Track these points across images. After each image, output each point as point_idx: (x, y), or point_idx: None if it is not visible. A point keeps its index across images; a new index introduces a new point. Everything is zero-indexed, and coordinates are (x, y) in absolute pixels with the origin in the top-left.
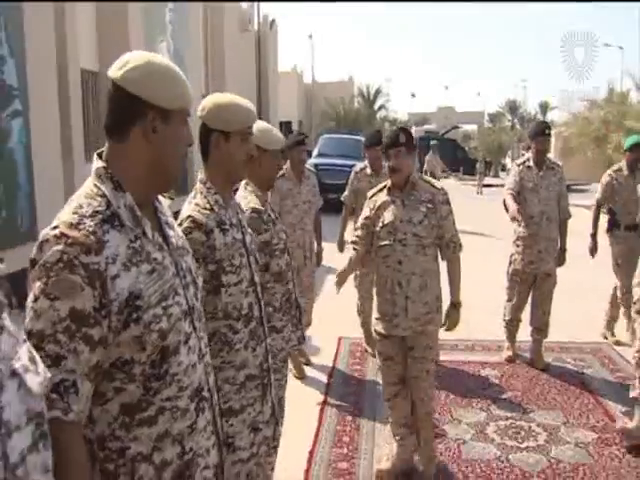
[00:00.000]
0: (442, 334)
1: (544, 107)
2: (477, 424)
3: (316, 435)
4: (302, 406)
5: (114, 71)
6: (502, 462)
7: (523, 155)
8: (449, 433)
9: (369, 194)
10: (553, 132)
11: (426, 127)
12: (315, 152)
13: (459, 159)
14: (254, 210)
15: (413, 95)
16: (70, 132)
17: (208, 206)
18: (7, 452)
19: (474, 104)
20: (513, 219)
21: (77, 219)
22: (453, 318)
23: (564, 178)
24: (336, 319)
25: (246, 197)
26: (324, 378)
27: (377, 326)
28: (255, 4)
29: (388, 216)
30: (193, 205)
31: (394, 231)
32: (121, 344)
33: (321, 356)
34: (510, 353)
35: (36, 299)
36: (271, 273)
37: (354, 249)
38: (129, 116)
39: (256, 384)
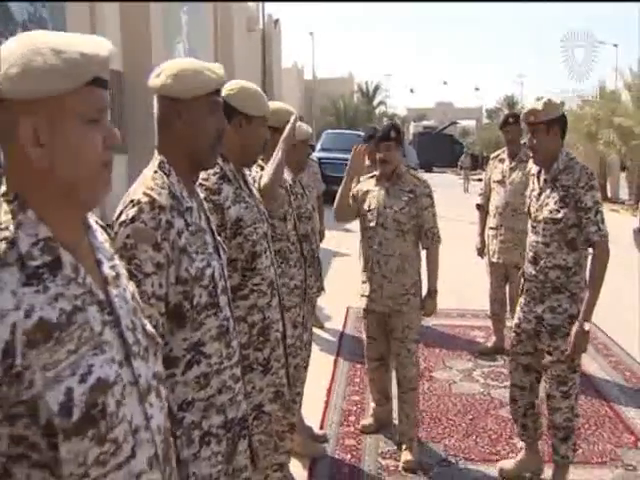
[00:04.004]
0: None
1: None
2: (465, 370)
3: (332, 377)
4: (319, 358)
5: (224, 91)
6: (484, 396)
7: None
8: (441, 377)
9: (362, 178)
10: None
11: (424, 123)
12: (318, 147)
13: (456, 154)
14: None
15: (412, 91)
16: None
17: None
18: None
19: (472, 100)
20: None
21: (206, 176)
22: (429, 305)
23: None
24: (344, 292)
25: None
26: (335, 339)
27: (360, 302)
28: (260, 4)
29: (374, 202)
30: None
31: (378, 216)
32: (231, 248)
33: (332, 322)
34: (489, 345)
35: None
36: (300, 234)
37: None
38: (227, 117)
39: (298, 293)
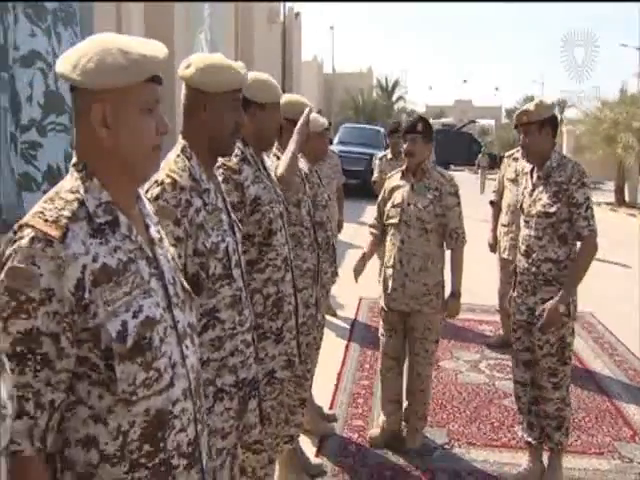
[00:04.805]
0: None
1: (562, 105)
2: (472, 361)
3: (343, 361)
4: (331, 344)
5: None
6: (489, 386)
7: None
8: (448, 366)
9: (387, 176)
10: (565, 129)
11: (443, 120)
12: (336, 140)
13: (474, 153)
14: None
15: (430, 87)
16: None
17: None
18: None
19: (492, 99)
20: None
21: (228, 158)
22: (452, 307)
23: None
24: (357, 283)
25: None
26: (347, 326)
27: (380, 299)
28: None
29: (398, 197)
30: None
31: (401, 212)
32: (249, 224)
33: (345, 311)
34: (496, 337)
35: None
36: (315, 221)
37: (371, 233)
38: (243, 108)
39: (311, 275)
